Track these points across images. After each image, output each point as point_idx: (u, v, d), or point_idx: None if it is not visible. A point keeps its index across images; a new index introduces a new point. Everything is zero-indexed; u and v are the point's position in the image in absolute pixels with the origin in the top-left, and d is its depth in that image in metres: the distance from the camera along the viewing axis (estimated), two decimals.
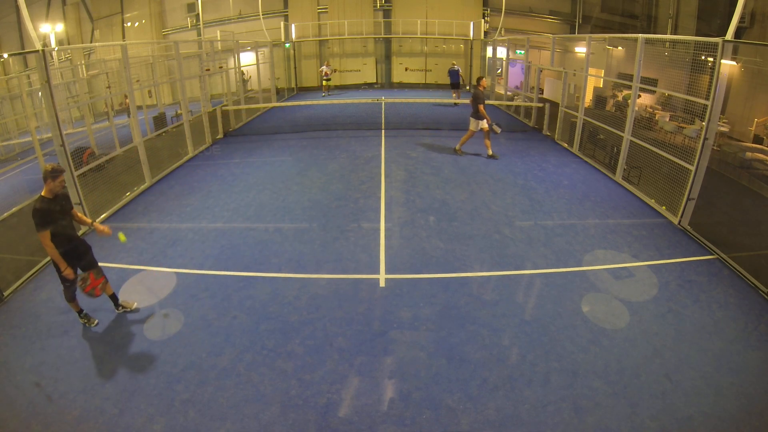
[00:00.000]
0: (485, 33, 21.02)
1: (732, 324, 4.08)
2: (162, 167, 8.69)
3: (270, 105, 15.46)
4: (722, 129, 10.53)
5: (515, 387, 3.36)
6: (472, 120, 9.28)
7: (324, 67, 19.46)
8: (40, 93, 10.40)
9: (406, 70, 22.62)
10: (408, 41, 22.23)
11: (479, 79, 9.28)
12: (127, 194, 7.33)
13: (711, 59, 5.65)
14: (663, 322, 4.09)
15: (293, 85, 21.87)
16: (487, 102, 17.01)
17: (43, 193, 3.69)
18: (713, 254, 5.30)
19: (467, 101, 9.81)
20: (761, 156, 8.84)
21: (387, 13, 21.73)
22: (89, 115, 12.16)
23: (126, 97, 15.52)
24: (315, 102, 16.74)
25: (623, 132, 7.58)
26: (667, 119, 11.49)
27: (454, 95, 17.02)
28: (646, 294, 4.52)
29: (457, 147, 9.65)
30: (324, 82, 19.43)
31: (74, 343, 3.89)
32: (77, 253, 3.97)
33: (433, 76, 22.25)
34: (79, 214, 4.08)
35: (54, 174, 3.69)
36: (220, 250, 5.49)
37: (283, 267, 5.07)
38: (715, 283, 4.73)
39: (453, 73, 17.30)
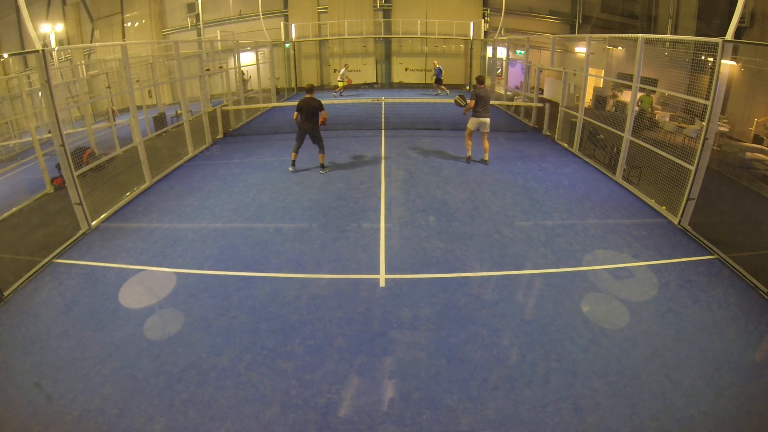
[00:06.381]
0: (485, 33, 21.03)
1: (732, 324, 4.08)
2: (162, 167, 8.69)
3: (270, 105, 15.46)
4: (722, 129, 10.53)
5: (515, 387, 3.36)
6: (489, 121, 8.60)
7: (343, 69, 19.58)
8: (40, 93, 10.40)
9: (406, 70, 22.64)
10: (408, 41, 22.24)
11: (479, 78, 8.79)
12: (127, 194, 7.33)
13: (711, 59, 5.66)
14: (663, 322, 4.09)
15: (293, 85, 21.88)
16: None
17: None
18: (713, 254, 5.30)
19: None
20: (761, 156, 8.84)
21: (387, 13, 21.73)
22: (89, 115, 12.15)
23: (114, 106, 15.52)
24: None
25: (623, 132, 7.58)
26: (667, 119, 11.49)
27: (443, 88, 19.45)
28: (646, 294, 4.52)
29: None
30: (340, 83, 19.55)
31: (74, 343, 3.89)
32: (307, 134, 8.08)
33: (433, 76, 22.29)
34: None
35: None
36: (220, 250, 5.49)
37: (283, 267, 5.07)
38: (715, 283, 4.73)
39: (437, 71, 19.74)
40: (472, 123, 8.63)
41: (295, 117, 8.08)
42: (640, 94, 11.69)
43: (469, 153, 8.92)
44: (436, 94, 19.16)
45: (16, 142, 12.29)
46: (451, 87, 20.49)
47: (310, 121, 7.91)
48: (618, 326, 4.04)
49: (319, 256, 5.29)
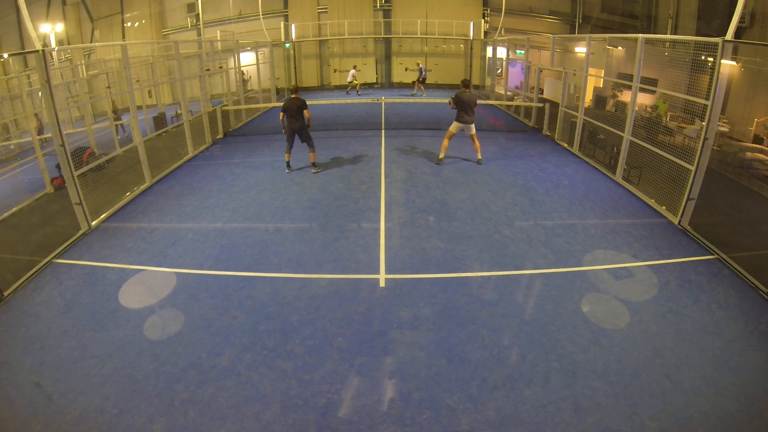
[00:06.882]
0: (485, 33, 21.03)
1: (732, 324, 4.08)
2: (162, 167, 8.70)
3: (270, 105, 15.45)
4: (722, 129, 10.53)
5: (515, 387, 3.36)
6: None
7: (353, 70, 19.87)
8: (40, 93, 10.40)
9: (406, 70, 22.61)
10: (408, 41, 22.23)
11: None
12: (127, 194, 7.33)
13: (711, 59, 5.65)
14: (663, 322, 4.09)
15: (293, 85, 21.88)
16: (487, 102, 17.08)
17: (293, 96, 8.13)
18: (713, 254, 5.30)
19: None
20: (761, 156, 8.84)
21: (387, 13, 21.73)
22: (89, 115, 12.15)
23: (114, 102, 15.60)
24: (315, 102, 16.72)
25: (623, 132, 7.58)
26: (667, 119, 11.48)
27: (421, 88, 19.14)
28: (646, 294, 4.52)
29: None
30: (356, 83, 19.85)
31: (74, 343, 3.89)
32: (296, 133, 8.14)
33: (433, 76, 22.27)
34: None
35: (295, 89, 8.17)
36: (220, 250, 5.49)
37: (283, 267, 5.07)
38: (715, 283, 4.73)
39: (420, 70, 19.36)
40: (454, 126, 8.62)
41: (281, 118, 8.21)
42: (656, 99, 11.67)
43: (442, 155, 8.88)
44: (416, 94, 18.91)
45: (16, 142, 12.29)
46: (451, 87, 20.46)
47: (297, 120, 8.08)
48: (618, 326, 4.04)
49: (319, 256, 5.29)
